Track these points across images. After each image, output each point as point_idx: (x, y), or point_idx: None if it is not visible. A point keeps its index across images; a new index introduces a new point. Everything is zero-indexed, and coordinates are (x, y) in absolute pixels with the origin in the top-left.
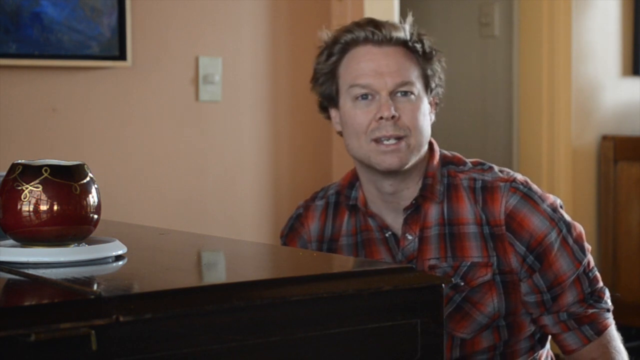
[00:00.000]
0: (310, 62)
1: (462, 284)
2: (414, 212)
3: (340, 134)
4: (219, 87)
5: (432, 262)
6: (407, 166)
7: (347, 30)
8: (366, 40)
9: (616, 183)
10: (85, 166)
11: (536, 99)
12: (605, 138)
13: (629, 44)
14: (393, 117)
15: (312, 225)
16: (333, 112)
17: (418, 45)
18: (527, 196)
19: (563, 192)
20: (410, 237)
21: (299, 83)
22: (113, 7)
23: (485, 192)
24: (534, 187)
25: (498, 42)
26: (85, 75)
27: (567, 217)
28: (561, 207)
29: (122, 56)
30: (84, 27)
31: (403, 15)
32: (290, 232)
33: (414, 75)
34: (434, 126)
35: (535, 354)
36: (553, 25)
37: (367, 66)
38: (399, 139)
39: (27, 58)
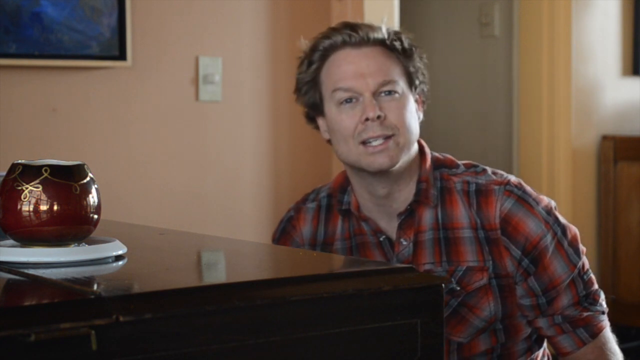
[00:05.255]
0: None
1: (458, 288)
2: (408, 216)
3: (329, 142)
4: (219, 87)
5: (427, 267)
6: (397, 165)
7: (324, 36)
8: (344, 44)
9: (616, 183)
10: (85, 166)
11: (536, 99)
12: (605, 138)
13: (629, 44)
14: (379, 117)
15: (305, 228)
16: (320, 121)
17: (397, 43)
18: (522, 199)
19: (563, 192)
20: (404, 242)
21: None
22: (113, 7)
23: (480, 195)
24: (528, 189)
25: (498, 42)
26: (85, 75)
27: (562, 219)
28: (555, 208)
29: (122, 56)
30: (84, 27)
31: (403, 15)
32: (282, 236)
33: (396, 73)
34: (432, 126)
35: (533, 355)
36: (553, 25)
37: (347, 69)
38: (387, 138)
39: (27, 58)
